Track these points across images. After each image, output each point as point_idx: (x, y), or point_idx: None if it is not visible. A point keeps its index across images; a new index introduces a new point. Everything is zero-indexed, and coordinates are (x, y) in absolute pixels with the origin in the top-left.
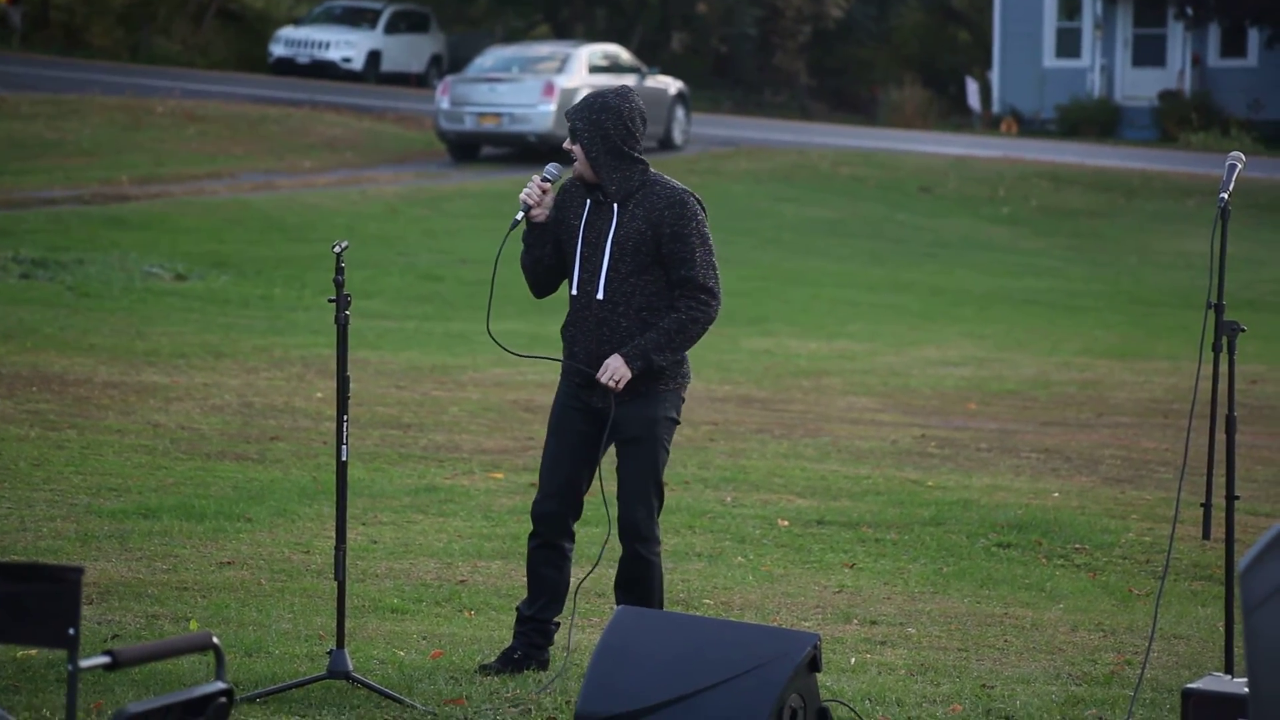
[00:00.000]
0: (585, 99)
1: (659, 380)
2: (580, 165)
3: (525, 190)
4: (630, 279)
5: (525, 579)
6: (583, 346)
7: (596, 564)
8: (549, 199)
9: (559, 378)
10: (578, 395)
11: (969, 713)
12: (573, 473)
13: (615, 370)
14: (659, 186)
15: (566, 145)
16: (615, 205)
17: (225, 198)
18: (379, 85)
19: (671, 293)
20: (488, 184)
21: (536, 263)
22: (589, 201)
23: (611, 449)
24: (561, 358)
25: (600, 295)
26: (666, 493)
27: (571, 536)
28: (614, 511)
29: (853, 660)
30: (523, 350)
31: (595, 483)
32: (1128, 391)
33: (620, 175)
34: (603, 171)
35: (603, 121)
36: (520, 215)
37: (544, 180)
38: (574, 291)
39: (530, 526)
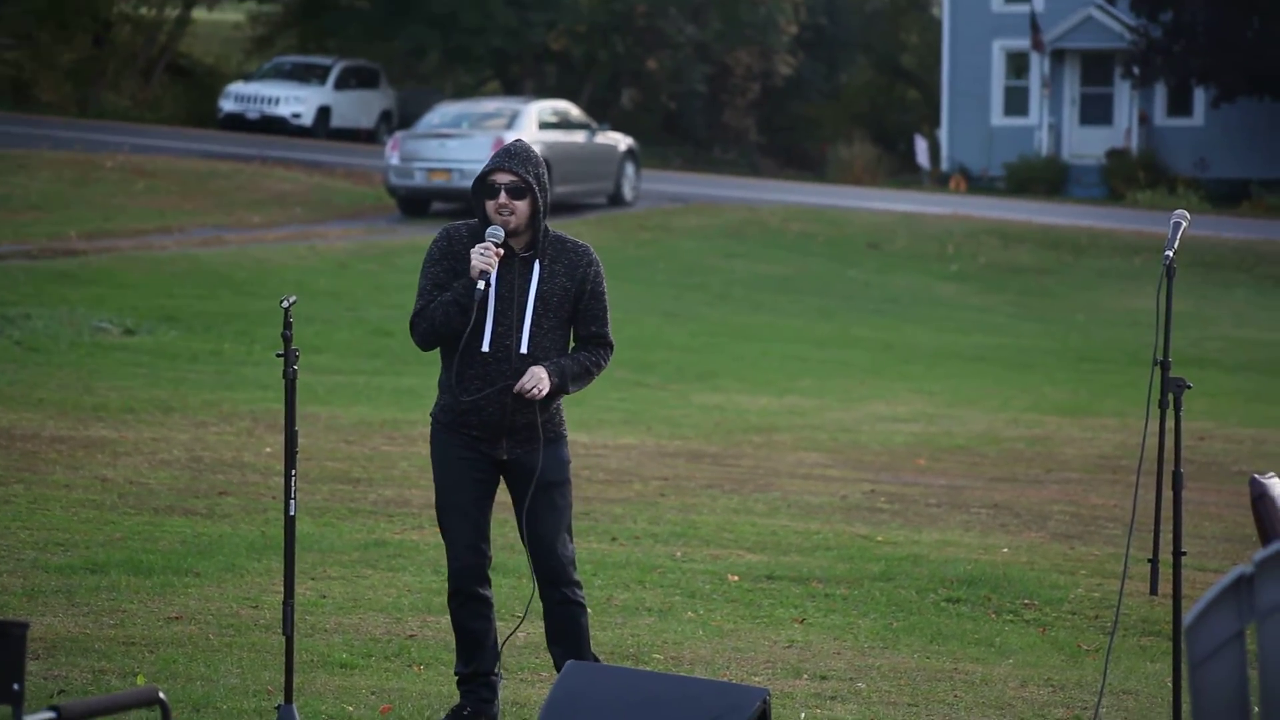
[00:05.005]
0: (516, 152)
1: (562, 424)
2: (518, 220)
3: (483, 259)
4: (550, 334)
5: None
6: (493, 402)
7: (523, 619)
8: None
9: (431, 429)
10: (474, 446)
11: None
12: (480, 521)
13: (539, 380)
14: (565, 241)
15: (505, 200)
16: (535, 260)
17: (174, 253)
18: (329, 141)
19: (570, 344)
20: None
21: (465, 324)
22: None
23: (503, 495)
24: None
25: (524, 349)
26: (616, 547)
27: (490, 583)
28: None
29: (803, 715)
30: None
31: (503, 539)
32: (1076, 448)
33: (542, 229)
34: (537, 227)
35: (542, 175)
36: (483, 284)
37: (497, 245)
38: (486, 348)
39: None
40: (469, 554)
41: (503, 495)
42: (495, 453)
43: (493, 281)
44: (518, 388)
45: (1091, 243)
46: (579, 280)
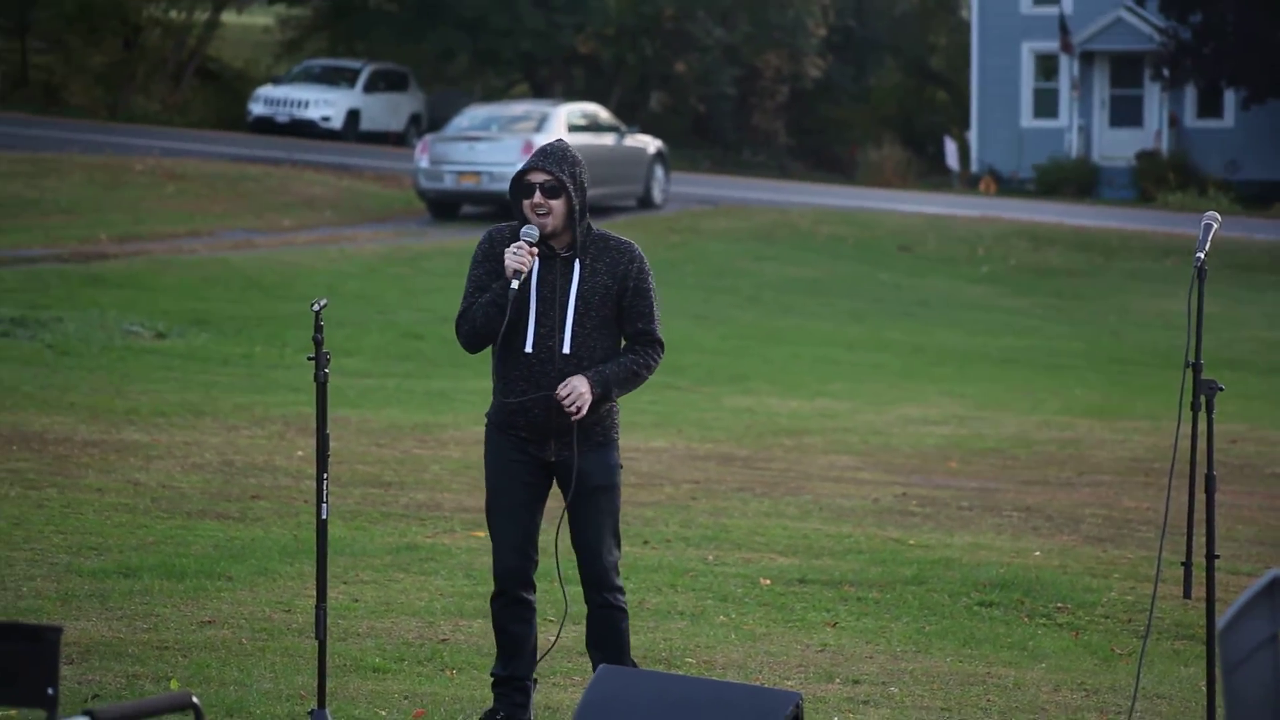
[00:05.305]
0: (553, 151)
1: (613, 428)
2: (555, 220)
3: (516, 258)
4: (594, 334)
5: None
6: (539, 404)
7: (562, 625)
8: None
9: (486, 429)
10: (523, 448)
11: None
12: (528, 523)
13: (579, 394)
14: (609, 239)
15: (540, 199)
16: (576, 260)
17: (205, 256)
18: (358, 144)
19: (620, 344)
20: (467, 242)
21: (502, 324)
22: (536, 256)
23: (556, 500)
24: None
25: (567, 350)
26: (648, 550)
27: (534, 587)
28: (561, 567)
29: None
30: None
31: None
32: (1108, 450)
33: (582, 228)
34: (575, 226)
35: (579, 174)
36: (516, 284)
37: (531, 245)
38: (529, 349)
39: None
40: (514, 556)
41: (555, 500)
42: (543, 454)
43: (533, 280)
44: (557, 397)
45: (1122, 245)
46: (620, 278)
